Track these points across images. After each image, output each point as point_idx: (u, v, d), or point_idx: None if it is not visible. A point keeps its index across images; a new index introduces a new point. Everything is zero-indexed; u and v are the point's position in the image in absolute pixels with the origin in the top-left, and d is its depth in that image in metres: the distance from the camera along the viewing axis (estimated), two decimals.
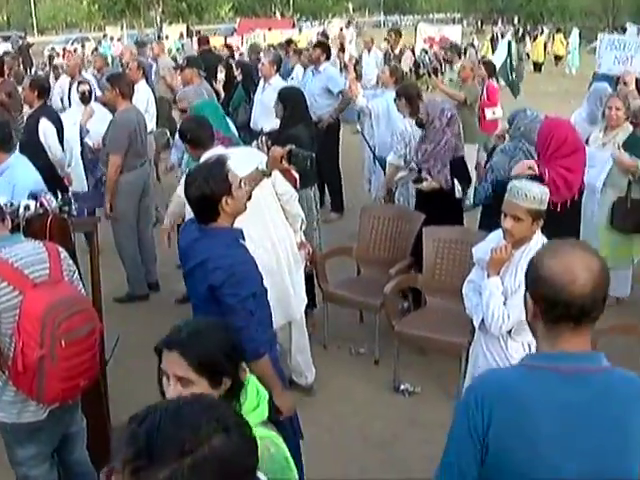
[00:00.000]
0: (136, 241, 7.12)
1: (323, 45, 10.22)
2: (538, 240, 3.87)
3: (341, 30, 28.33)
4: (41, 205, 3.99)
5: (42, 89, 7.45)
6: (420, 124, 6.25)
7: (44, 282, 3.34)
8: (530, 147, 5.47)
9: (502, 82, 11.61)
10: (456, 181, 6.06)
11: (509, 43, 12.65)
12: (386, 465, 4.61)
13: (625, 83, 7.39)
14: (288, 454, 2.29)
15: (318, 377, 5.52)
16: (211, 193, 3.29)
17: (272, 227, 4.90)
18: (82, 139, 7.77)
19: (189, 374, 2.25)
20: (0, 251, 3.34)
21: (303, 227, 5.28)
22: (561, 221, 5.16)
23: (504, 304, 3.81)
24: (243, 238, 3.48)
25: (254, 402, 2.39)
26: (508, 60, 11.50)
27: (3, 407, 3.47)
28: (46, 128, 7.20)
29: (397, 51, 12.44)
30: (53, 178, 6.62)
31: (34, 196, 4.08)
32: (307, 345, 5.36)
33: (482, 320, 3.90)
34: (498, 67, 10.94)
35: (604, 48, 7.11)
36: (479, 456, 2.01)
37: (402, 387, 5.49)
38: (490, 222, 5.67)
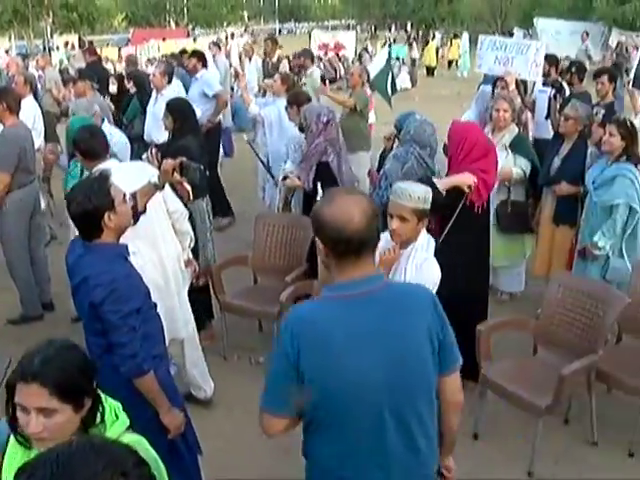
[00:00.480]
0: (28, 260, 6.92)
1: (198, 54, 10.30)
2: (424, 239, 3.97)
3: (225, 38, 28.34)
4: None
5: None
6: (300, 129, 6.35)
7: None
8: (421, 151, 5.48)
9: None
10: (319, 185, 6.11)
11: (389, 52, 12.72)
12: (292, 470, 4.62)
13: (506, 83, 7.60)
14: (157, 456, 2.31)
15: (218, 389, 5.50)
16: (93, 209, 3.25)
17: (162, 243, 4.89)
18: None
19: (52, 403, 2.17)
20: None
21: (191, 245, 5.27)
22: (478, 221, 5.33)
23: None
24: (128, 253, 3.45)
25: (112, 414, 2.38)
26: (388, 71, 11.35)
27: None
28: None
29: (275, 59, 12.49)
30: None
31: None
32: (201, 358, 5.32)
33: None
34: (372, 76, 10.87)
35: (485, 49, 7.33)
36: (295, 377, 2.45)
37: None
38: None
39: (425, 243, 3.98)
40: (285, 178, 6.44)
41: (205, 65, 10.01)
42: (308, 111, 6.30)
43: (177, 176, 4.20)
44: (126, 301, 3.25)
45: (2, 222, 6.67)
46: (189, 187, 5.05)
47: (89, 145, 5.05)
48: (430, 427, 2.61)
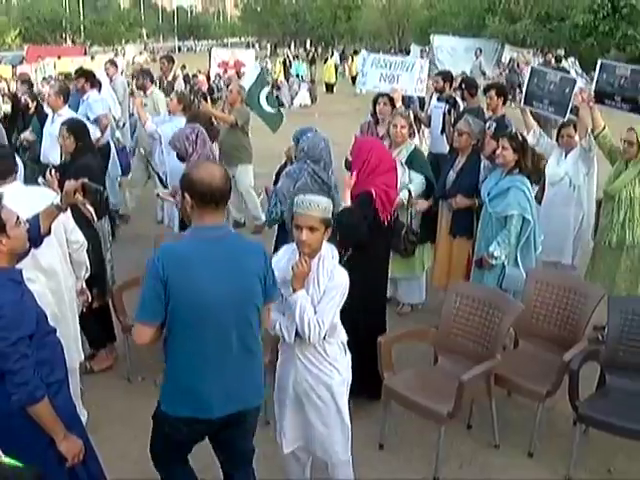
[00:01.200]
0: None
1: (87, 73, 10.17)
2: (327, 247, 4.04)
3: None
4: None
5: None
6: (179, 158, 6.30)
7: None
8: (315, 166, 5.53)
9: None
10: None
11: (261, 70, 12.68)
12: None
13: (393, 100, 7.74)
14: None
15: (123, 411, 5.45)
16: None
17: (61, 273, 4.82)
18: None
19: None
20: None
21: (86, 275, 5.20)
22: (381, 234, 5.39)
23: (315, 312, 3.90)
24: (21, 278, 3.38)
25: None
26: (258, 89, 10.84)
27: None
28: None
29: (170, 77, 12.44)
30: None
31: None
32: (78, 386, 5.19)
33: (296, 334, 3.95)
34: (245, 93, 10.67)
35: (369, 66, 7.48)
36: (163, 294, 3.26)
37: None
38: (286, 240, 5.89)
39: (329, 251, 4.05)
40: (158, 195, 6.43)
41: (94, 86, 9.91)
42: (175, 139, 6.23)
43: (79, 197, 4.12)
44: (15, 328, 3.15)
45: None
46: (92, 208, 5.01)
47: None
48: (258, 335, 3.58)
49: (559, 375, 4.90)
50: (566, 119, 7.01)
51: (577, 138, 6.84)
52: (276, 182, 6.08)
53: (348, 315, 4.15)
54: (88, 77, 9.93)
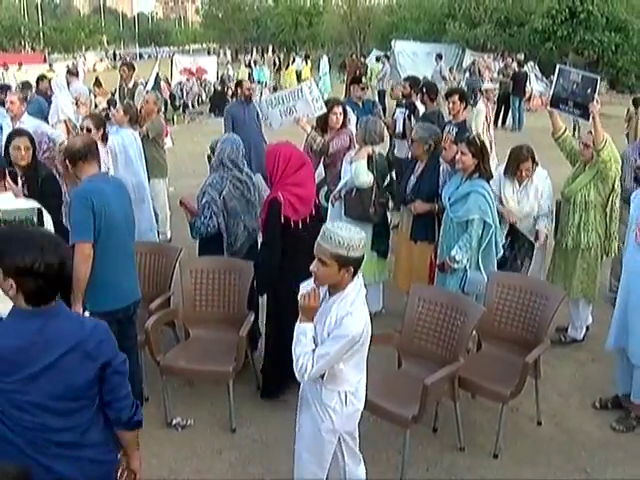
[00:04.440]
0: None
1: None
2: (354, 291, 3.72)
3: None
4: None
5: None
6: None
7: None
8: (235, 172, 5.91)
9: None
10: None
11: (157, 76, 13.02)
12: None
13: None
14: None
15: None
16: None
17: None
18: None
19: None
20: None
21: None
22: (300, 236, 5.30)
23: (313, 351, 3.68)
24: None
25: None
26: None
27: None
28: None
29: (131, 85, 12.38)
30: None
31: None
32: None
33: None
34: None
35: (266, 109, 7.79)
36: (92, 216, 4.68)
37: (174, 421, 5.44)
38: (209, 252, 6.12)
39: (354, 295, 3.71)
40: None
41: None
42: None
43: None
44: None
45: None
46: None
47: None
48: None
49: (522, 376, 4.96)
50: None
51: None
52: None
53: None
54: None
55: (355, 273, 3.68)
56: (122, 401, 3.09)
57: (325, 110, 7.83)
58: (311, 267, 3.64)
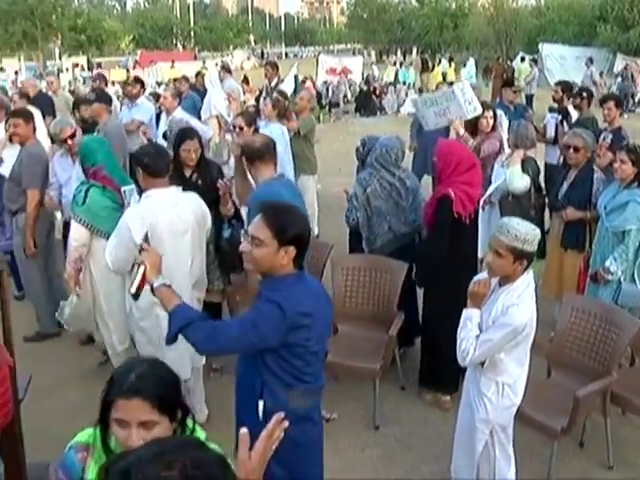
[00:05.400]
0: (45, 278, 6.99)
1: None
2: (523, 284, 3.88)
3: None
4: None
5: None
6: None
7: None
8: (385, 173, 5.92)
9: None
10: None
11: (295, 76, 13.19)
12: None
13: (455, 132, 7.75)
14: None
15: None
16: None
17: None
18: None
19: (153, 416, 2.25)
20: None
21: None
22: (466, 231, 5.43)
23: (477, 337, 3.86)
24: None
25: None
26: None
27: None
28: None
29: (273, 83, 12.70)
30: None
31: None
32: None
33: None
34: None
35: (422, 109, 7.59)
36: None
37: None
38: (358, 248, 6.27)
39: (522, 288, 3.88)
40: None
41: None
42: None
43: None
44: None
45: (20, 239, 6.76)
46: None
47: (153, 162, 4.83)
48: None
49: None
50: None
51: None
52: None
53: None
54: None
55: (527, 267, 3.86)
56: None
57: (479, 112, 7.77)
58: (486, 259, 3.86)
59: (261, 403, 3.30)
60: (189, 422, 2.43)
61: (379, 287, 5.91)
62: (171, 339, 3.28)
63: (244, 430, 2.12)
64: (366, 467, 5.00)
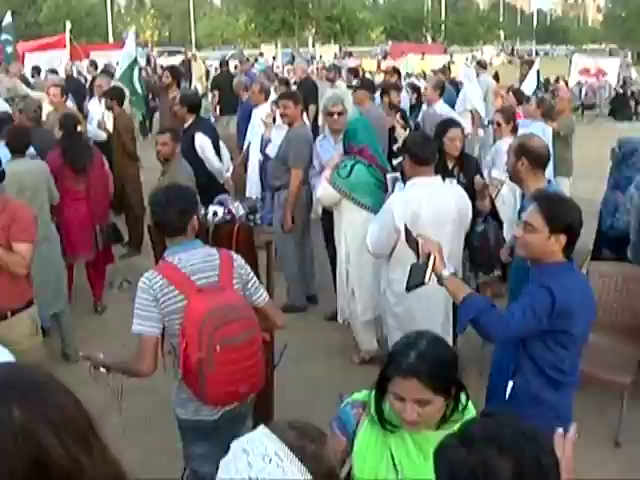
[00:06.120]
0: (300, 254, 7.26)
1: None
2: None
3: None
4: (229, 212, 4.17)
5: (192, 104, 7.77)
6: None
7: (211, 288, 3.36)
8: None
9: None
10: None
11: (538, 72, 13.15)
12: None
13: None
14: None
15: None
16: None
17: None
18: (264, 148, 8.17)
19: (427, 395, 2.36)
20: (175, 257, 3.42)
21: None
22: None
23: None
24: None
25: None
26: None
27: (182, 403, 3.53)
28: (202, 142, 7.51)
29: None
30: (214, 187, 7.08)
31: (221, 203, 4.26)
32: None
33: None
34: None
35: None
36: None
37: None
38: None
39: None
40: None
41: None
42: None
43: None
44: None
45: (280, 215, 7.06)
46: None
47: (420, 149, 4.91)
48: None
49: None
50: None
51: None
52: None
53: None
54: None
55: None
56: None
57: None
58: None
59: (510, 383, 3.38)
60: (462, 398, 2.48)
61: (634, 297, 5.61)
62: (462, 329, 3.43)
63: (559, 431, 2.02)
64: None
